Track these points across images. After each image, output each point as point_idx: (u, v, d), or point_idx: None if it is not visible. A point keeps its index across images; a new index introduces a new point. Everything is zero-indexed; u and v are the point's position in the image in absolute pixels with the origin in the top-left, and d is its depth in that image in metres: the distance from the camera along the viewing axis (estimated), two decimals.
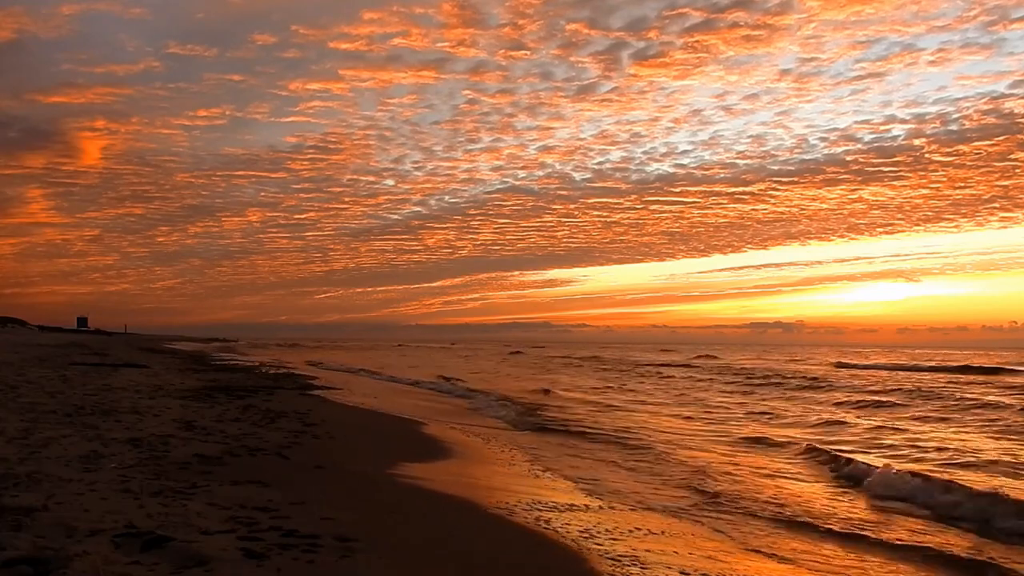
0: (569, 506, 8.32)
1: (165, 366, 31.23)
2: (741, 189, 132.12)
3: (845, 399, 25.68)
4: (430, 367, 45.72)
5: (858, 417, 20.28)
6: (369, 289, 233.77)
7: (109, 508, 5.98)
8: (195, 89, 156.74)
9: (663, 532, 7.49)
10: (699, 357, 71.76)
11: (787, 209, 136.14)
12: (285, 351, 77.15)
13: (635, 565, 6.06)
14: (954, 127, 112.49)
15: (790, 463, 12.76)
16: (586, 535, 6.92)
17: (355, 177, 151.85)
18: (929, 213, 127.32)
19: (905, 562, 7.11)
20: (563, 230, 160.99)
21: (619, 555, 6.32)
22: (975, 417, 19.84)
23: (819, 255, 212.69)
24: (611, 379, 37.81)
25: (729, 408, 22.84)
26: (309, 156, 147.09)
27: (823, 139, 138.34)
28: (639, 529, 7.45)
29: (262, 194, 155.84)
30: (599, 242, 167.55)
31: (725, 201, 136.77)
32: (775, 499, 9.65)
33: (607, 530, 7.21)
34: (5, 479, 6.72)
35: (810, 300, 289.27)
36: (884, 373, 43.90)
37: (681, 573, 6.00)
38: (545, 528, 7.10)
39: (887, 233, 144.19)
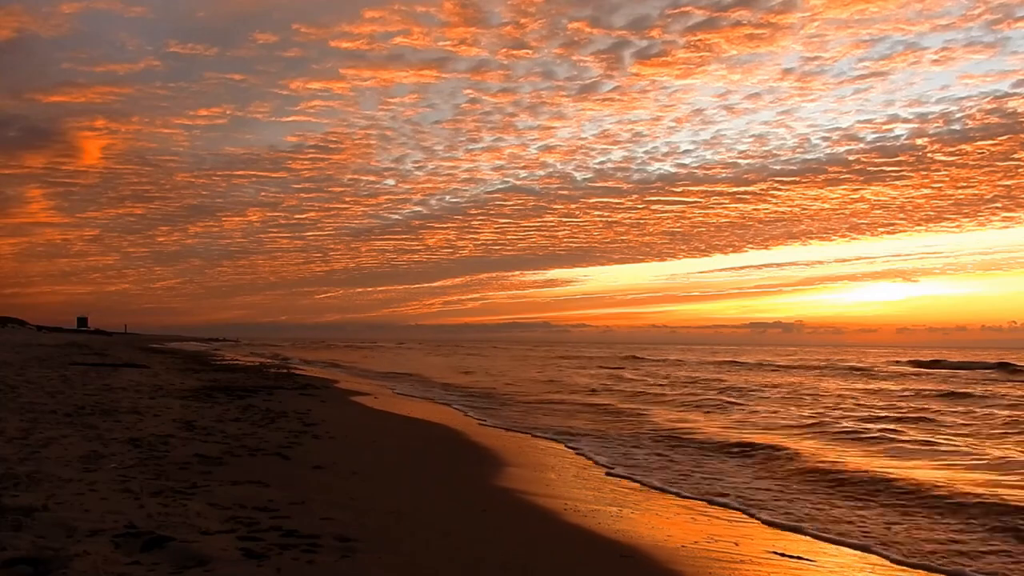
0: None
1: (165, 366, 31.23)
2: (743, 189, 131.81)
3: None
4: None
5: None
6: (369, 289, 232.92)
7: (109, 508, 5.98)
8: (196, 88, 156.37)
9: None
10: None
11: (789, 209, 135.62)
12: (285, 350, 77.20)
13: None
14: (957, 126, 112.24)
15: None
16: None
17: (356, 177, 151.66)
18: (931, 213, 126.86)
19: None
20: (564, 230, 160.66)
21: None
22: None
23: (820, 255, 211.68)
24: None
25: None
26: (310, 156, 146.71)
27: (825, 138, 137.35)
28: None
29: (262, 194, 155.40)
30: (600, 242, 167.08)
31: (727, 201, 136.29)
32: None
33: None
34: (5, 479, 6.72)
35: (810, 300, 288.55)
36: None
37: None
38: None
39: (888, 233, 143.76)
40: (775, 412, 19.72)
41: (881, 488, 9.80)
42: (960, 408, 20.97)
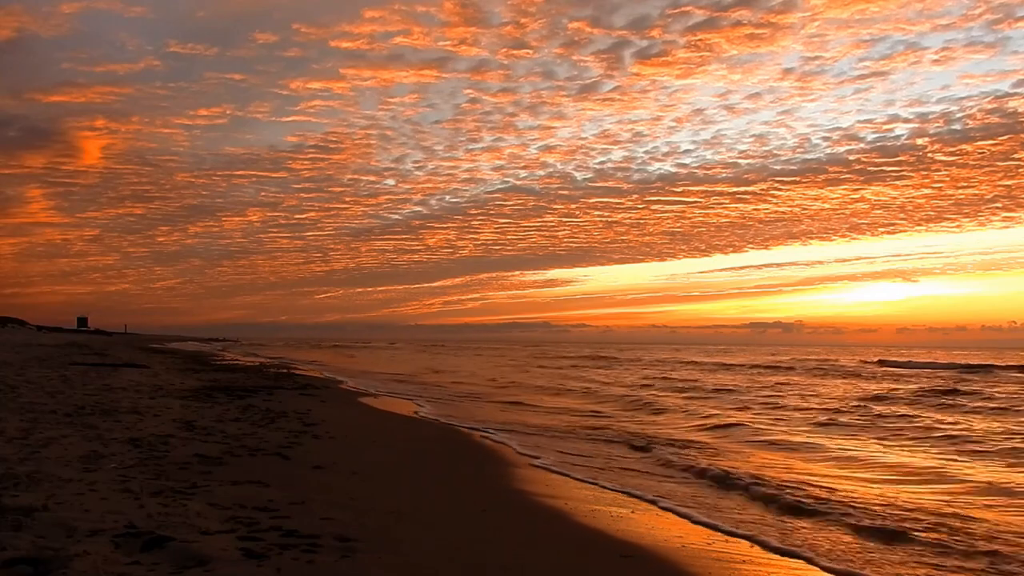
0: None
1: (165, 366, 31.23)
2: (743, 189, 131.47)
3: None
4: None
5: None
6: (369, 289, 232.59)
7: (109, 508, 5.98)
8: (196, 88, 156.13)
9: None
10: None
11: (789, 209, 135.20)
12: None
13: None
14: (957, 126, 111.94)
15: None
16: None
17: (356, 177, 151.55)
18: (931, 213, 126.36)
19: None
20: (564, 230, 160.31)
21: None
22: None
23: (820, 255, 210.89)
24: None
25: None
26: (310, 156, 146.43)
27: (826, 138, 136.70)
28: None
29: (262, 194, 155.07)
30: (600, 242, 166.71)
31: (727, 201, 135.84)
32: None
33: None
34: (5, 479, 6.71)
35: (810, 300, 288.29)
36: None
37: None
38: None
39: (889, 233, 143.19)
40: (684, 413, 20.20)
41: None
42: (872, 408, 20.92)
